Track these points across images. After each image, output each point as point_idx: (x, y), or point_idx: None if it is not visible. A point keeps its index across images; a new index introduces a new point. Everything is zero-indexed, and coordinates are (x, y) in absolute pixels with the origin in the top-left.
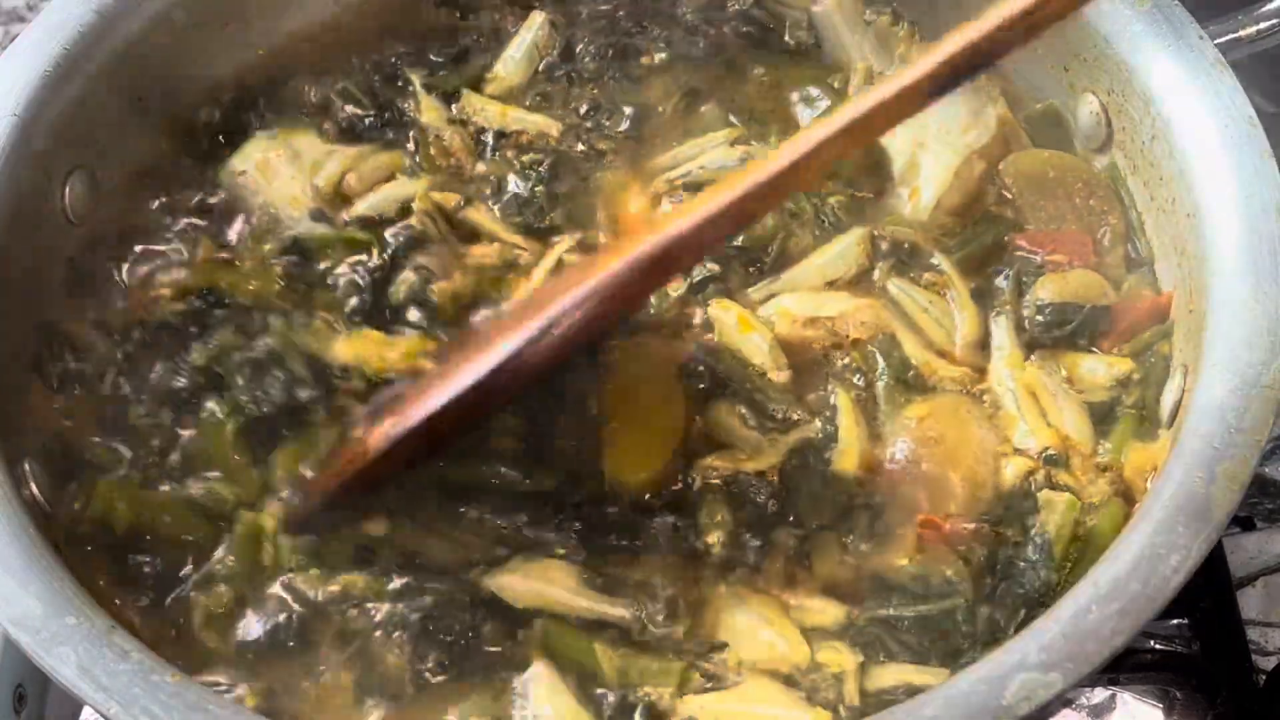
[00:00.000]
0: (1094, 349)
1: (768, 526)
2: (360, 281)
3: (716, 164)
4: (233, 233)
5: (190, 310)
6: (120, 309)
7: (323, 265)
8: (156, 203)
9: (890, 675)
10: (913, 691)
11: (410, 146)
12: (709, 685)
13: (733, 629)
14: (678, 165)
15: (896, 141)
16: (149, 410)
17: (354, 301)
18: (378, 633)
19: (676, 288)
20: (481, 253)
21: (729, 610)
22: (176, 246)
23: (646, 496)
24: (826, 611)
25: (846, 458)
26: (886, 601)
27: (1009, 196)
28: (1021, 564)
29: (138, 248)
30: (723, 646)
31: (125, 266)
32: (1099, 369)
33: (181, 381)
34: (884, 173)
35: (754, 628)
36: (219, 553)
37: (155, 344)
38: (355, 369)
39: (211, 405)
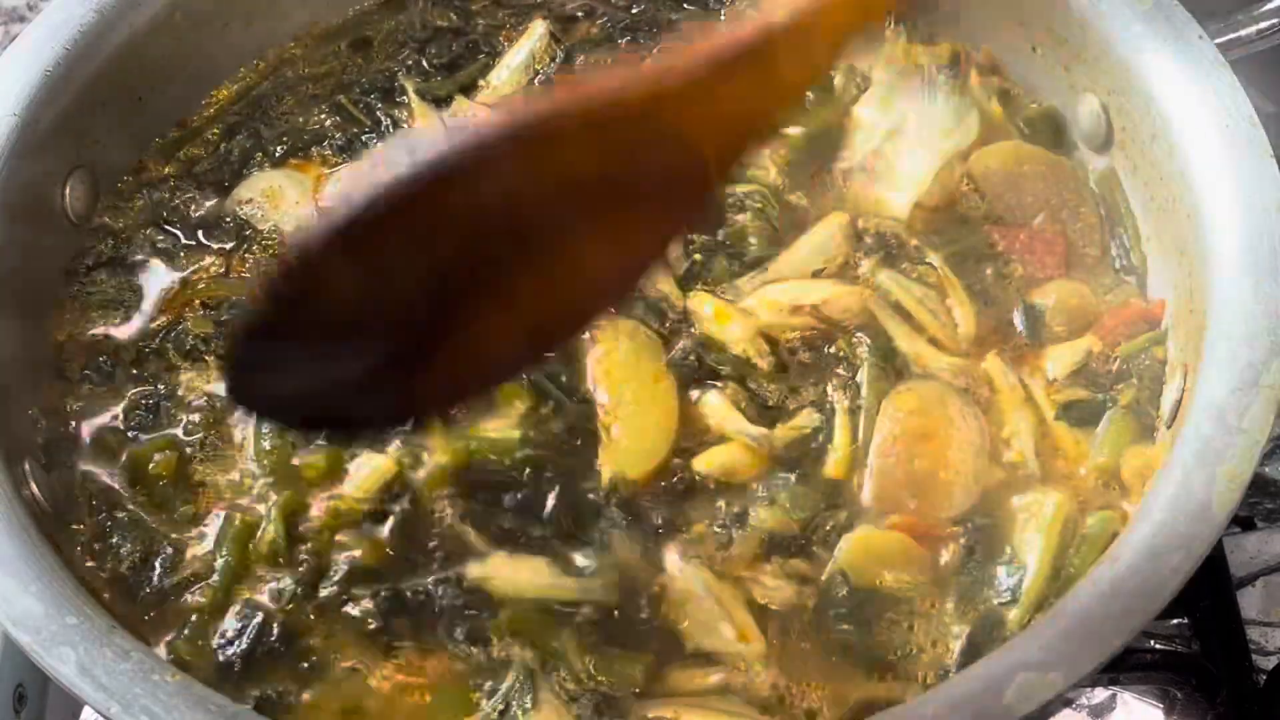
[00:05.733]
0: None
1: (746, 520)
2: None
3: None
4: (244, 256)
5: (218, 322)
6: (143, 319)
7: None
8: (166, 228)
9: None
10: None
11: None
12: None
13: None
14: None
15: (868, 114)
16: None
17: None
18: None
19: (664, 282)
20: None
21: (697, 606)
22: (188, 266)
23: (642, 493)
24: (782, 590)
25: (836, 463)
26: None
27: (980, 191)
28: (1006, 565)
29: (149, 263)
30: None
31: (136, 281)
32: (1064, 354)
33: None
34: (838, 138)
35: (714, 620)
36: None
37: (183, 349)
38: None
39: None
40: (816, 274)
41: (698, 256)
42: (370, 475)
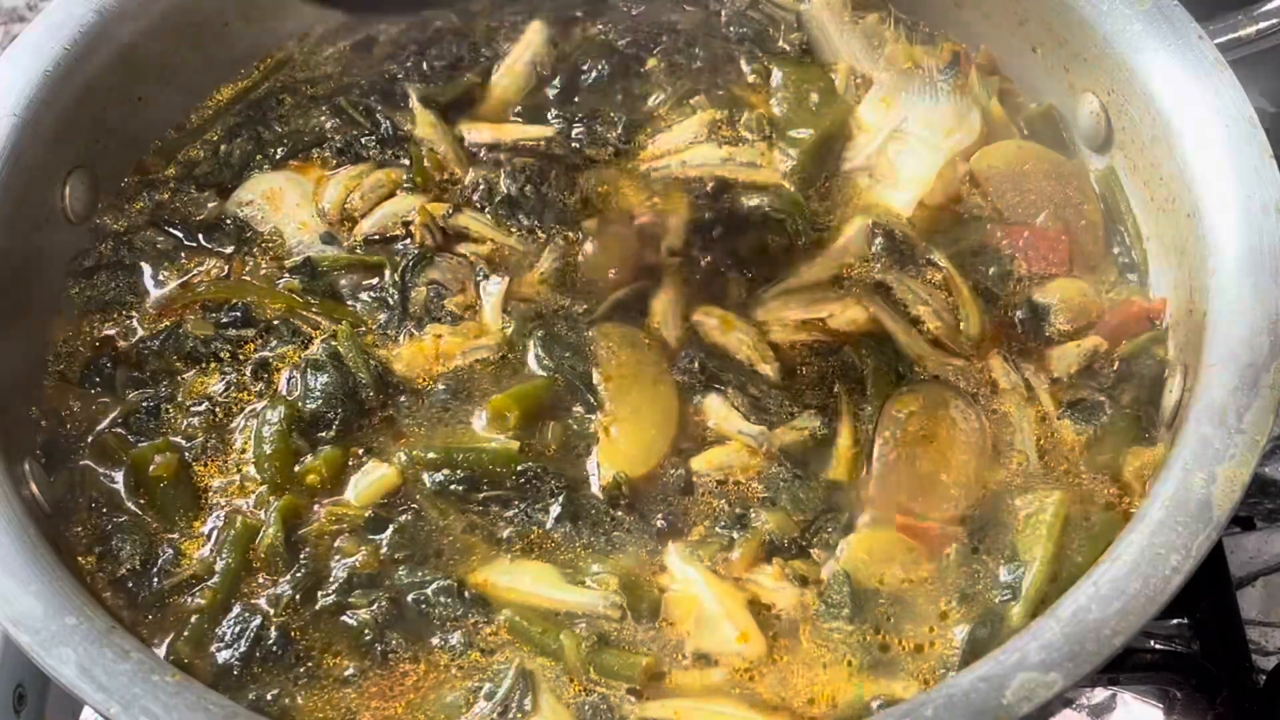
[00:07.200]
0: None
1: (748, 522)
2: (372, 299)
3: (699, 160)
4: (245, 258)
5: (218, 324)
6: (143, 321)
7: (336, 285)
8: (166, 229)
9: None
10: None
11: (405, 161)
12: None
13: (697, 625)
14: (662, 159)
15: (870, 115)
16: (184, 408)
17: (382, 318)
18: (366, 610)
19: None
20: (471, 250)
21: (698, 607)
22: (189, 268)
23: (643, 494)
24: (783, 590)
25: (839, 465)
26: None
27: (982, 190)
28: (1007, 565)
29: (150, 265)
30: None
31: (137, 283)
32: (1068, 353)
33: (222, 385)
34: (843, 141)
35: (715, 620)
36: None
37: (183, 352)
38: (409, 376)
39: (264, 405)
40: (836, 280)
41: (719, 271)
42: (372, 484)
